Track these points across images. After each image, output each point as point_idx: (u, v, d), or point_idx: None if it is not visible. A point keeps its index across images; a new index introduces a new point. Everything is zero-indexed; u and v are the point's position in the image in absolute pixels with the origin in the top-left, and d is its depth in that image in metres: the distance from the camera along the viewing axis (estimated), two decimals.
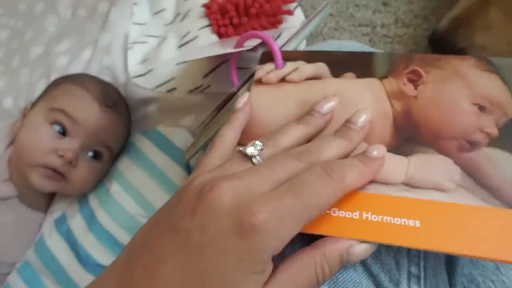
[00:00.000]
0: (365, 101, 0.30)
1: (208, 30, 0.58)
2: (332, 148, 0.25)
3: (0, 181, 0.51)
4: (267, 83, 0.33)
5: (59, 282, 0.50)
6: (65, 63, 0.65)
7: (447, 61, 0.31)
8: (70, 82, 0.52)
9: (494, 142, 0.27)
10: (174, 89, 0.55)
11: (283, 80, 0.33)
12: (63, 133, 0.49)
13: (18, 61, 0.71)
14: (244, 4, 0.56)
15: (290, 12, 0.57)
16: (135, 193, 0.51)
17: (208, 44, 0.38)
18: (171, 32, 0.61)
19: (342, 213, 0.25)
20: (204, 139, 0.42)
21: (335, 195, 0.23)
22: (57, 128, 0.48)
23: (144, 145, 0.54)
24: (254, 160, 0.25)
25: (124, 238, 0.49)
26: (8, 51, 0.73)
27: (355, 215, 0.25)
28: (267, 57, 0.34)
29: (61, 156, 0.46)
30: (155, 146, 0.53)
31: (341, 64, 0.33)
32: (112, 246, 0.48)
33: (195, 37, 0.58)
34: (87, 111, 0.49)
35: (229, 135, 0.28)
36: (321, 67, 0.33)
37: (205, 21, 0.59)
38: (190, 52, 0.38)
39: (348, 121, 0.28)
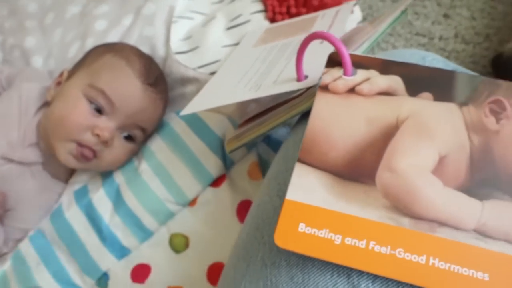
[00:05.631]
0: (441, 130, 0.27)
1: (261, 16, 0.56)
2: None
3: (27, 145, 0.49)
4: (334, 92, 0.29)
5: (74, 255, 0.47)
6: (103, 27, 0.62)
7: None
8: (113, 53, 0.49)
9: None
10: None
11: (351, 90, 0.30)
12: (100, 111, 0.46)
13: (52, 19, 0.68)
14: None
15: None
16: (165, 176, 0.48)
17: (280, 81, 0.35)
18: (220, 12, 0.58)
19: (408, 256, 0.23)
20: (254, 134, 0.40)
21: None
22: (94, 106, 0.46)
23: (179, 126, 0.51)
24: None
25: (150, 223, 0.46)
26: (43, 7, 0.70)
27: (421, 260, 0.23)
28: (335, 60, 0.31)
29: (97, 135, 0.44)
30: (190, 129, 0.50)
31: (418, 80, 0.30)
32: (136, 230, 0.46)
33: (247, 21, 0.55)
34: (128, 92, 0.46)
35: None
36: (396, 82, 0.30)
37: (259, 6, 0.56)
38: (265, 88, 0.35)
39: None
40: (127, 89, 0.46)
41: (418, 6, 0.61)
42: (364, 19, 0.59)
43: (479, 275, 0.22)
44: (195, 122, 0.51)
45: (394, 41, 0.59)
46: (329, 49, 0.39)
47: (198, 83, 0.54)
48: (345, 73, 0.30)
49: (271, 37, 0.49)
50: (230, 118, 0.50)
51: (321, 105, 0.29)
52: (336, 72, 0.30)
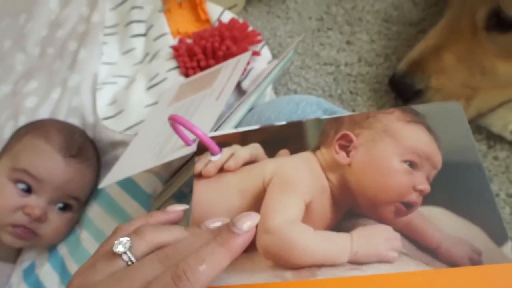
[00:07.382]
0: (301, 180, 0.29)
1: (176, 72, 0.59)
2: (203, 255, 0.24)
3: None
4: (208, 177, 0.32)
5: None
6: (34, 104, 0.65)
7: (374, 118, 0.30)
8: (32, 134, 0.52)
9: (426, 199, 0.26)
10: None
11: (221, 169, 0.32)
12: (28, 190, 0.49)
13: None
14: (211, 47, 0.57)
15: (257, 53, 0.59)
16: None
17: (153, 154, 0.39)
18: (140, 73, 0.62)
19: None
20: (168, 195, 0.43)
21: None
22: (21, 186, 0.48)
23: (113, 190, 0.54)
24: (124, 257, 0.25)
25: None
26: None
27: None
28: (204, 146, 0.33)
29: (28, 214, 0.46)
30: (124, 191, 0.53)
31: (274, 141, 0.32)
32: None
33: (164, 79, 0.59)
34: (50, 167, 0.49)
35: None
36: (256, 148, 0.32)
37: (174, 63, 0.60)
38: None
39: (231, 224, 0.26)
40: (49, 165, 0.49)
41: (323, 37, 0.66)
42: (275, 56, 0.64)
43: None
44: (127, 184, 0.53)
45: (305, 73, 0.63)
46: (218, 107, 0.42)
47: (126, 145, 0.57)
48: (213, 155, 0.33)
49: (183, 93, 0.53)
50: (158, 175, 0.53)
51: (200, 192, 0.31)
52: (206, 157, 0.33)
